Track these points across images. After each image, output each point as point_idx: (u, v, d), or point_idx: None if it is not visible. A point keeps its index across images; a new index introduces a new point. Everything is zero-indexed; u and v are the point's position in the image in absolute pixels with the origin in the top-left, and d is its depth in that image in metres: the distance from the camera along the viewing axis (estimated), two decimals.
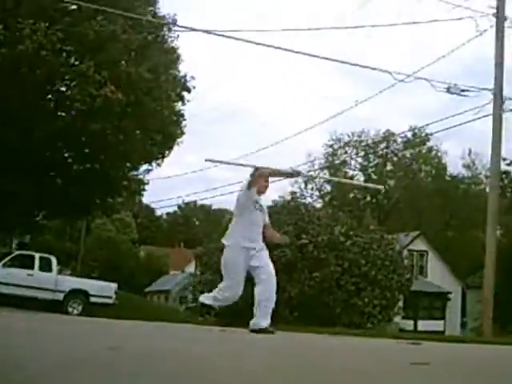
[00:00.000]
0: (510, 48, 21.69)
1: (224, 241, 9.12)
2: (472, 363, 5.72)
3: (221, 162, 9.65)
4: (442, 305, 43.52)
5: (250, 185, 8.79)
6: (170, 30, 30.54)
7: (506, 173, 38.80)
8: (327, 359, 5.27)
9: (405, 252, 35.12)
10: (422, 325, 40.10)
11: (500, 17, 21.28)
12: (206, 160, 9.01)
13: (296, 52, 19.76)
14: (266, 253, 9.18)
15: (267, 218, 9.28)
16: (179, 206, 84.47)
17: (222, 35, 18.34)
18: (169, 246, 74.82)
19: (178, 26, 29.42)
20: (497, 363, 5.94)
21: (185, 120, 32.15)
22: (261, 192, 8.96)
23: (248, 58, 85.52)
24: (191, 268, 52.10)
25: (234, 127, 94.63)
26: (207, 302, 9.55)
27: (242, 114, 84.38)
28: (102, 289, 27.24)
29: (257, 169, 8.77)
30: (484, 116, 21.53)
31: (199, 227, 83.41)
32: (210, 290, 31.93)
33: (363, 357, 5.88)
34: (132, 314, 24.51)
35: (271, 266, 9.17)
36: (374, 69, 21.15)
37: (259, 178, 8.80)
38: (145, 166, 32.92)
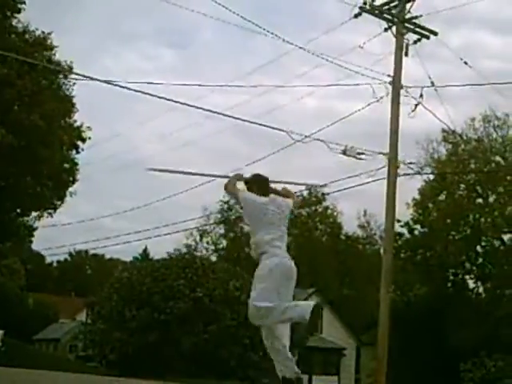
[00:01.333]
0: (406, 115, 22.29)
1: None
2: None
3: (165, 170, 8.65)
4: (336, 361, 43.78)
5: None
6: (65, 77, 30.02)
7: (400, 234, 39.80)
8: None
9: None
10: (317, 380, 40.20)
11: (396, 86, 21.92)
12: (148, 169, 8.18)
13: (192, 106, 19.59)
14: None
15: None
16: (70, 254, 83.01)
17: (121, 86, 18.01)
18: (59, 293, 72.88)
19: (74, 73, 28.88)
20: None
21: (77, 169, 31.59)
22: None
23: (151, 109, 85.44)
24: (82, 316, 50.77)
25: (131, 178, 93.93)
26: None
27: (140, 163, 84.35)
28: None
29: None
30: (379, 179, 21.97)
31: (91, 276, 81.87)
32: (101, 340, 30.70)
33: None
34: (20, 361, 23.54)
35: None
36: (272, 128, 21.14)
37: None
38: (36, 213, 32.00)
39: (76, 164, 31.48)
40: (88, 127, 31.28)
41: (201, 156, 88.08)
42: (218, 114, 20.66)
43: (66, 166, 30.85)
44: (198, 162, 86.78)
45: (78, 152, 31.48)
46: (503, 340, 32.06)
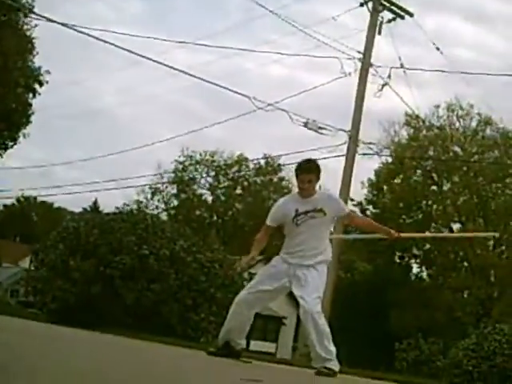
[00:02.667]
0: (372, 94, 22.10)
1: None
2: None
3: None
4: (276, 328, 44.35)
5: None
6: (25, 15, 29.11)
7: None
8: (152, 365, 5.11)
9: (245, 274, 35.41)
10: (255, 345, 40.52)
11: (365, 63, 21.77)
12: None
13: (155, 61, 19.32)
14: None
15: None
16: (18, 200, 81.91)
17: (81, 32, 17.69)
18: (3, 238, 72.09)
19: (34, 13, 27.93)
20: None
21: (32, 113, 30.78)
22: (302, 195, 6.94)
23: (113, 59, 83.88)
24: (25, 263, 50.24)
25: (86, 126, 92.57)
26: None
27: (97, 114, 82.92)
28: None
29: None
30: (337, 156, 21.84)
31: (37, 223, 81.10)
32: (43, 287, 30.26)
33: (191, 367, 5.71)
34: None
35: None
36: (236, 92, 20.94)
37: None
38: None
39: (30, 105, 30.67)
40: (47, 71, 30.49)
41: (159, 113, 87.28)
42: (181, 71, 20.49)
43: (19, 107, 30.07)
44: (157, 119, 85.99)
45: (34, 95, 30.70)
46: (439, 325, 32.70)
